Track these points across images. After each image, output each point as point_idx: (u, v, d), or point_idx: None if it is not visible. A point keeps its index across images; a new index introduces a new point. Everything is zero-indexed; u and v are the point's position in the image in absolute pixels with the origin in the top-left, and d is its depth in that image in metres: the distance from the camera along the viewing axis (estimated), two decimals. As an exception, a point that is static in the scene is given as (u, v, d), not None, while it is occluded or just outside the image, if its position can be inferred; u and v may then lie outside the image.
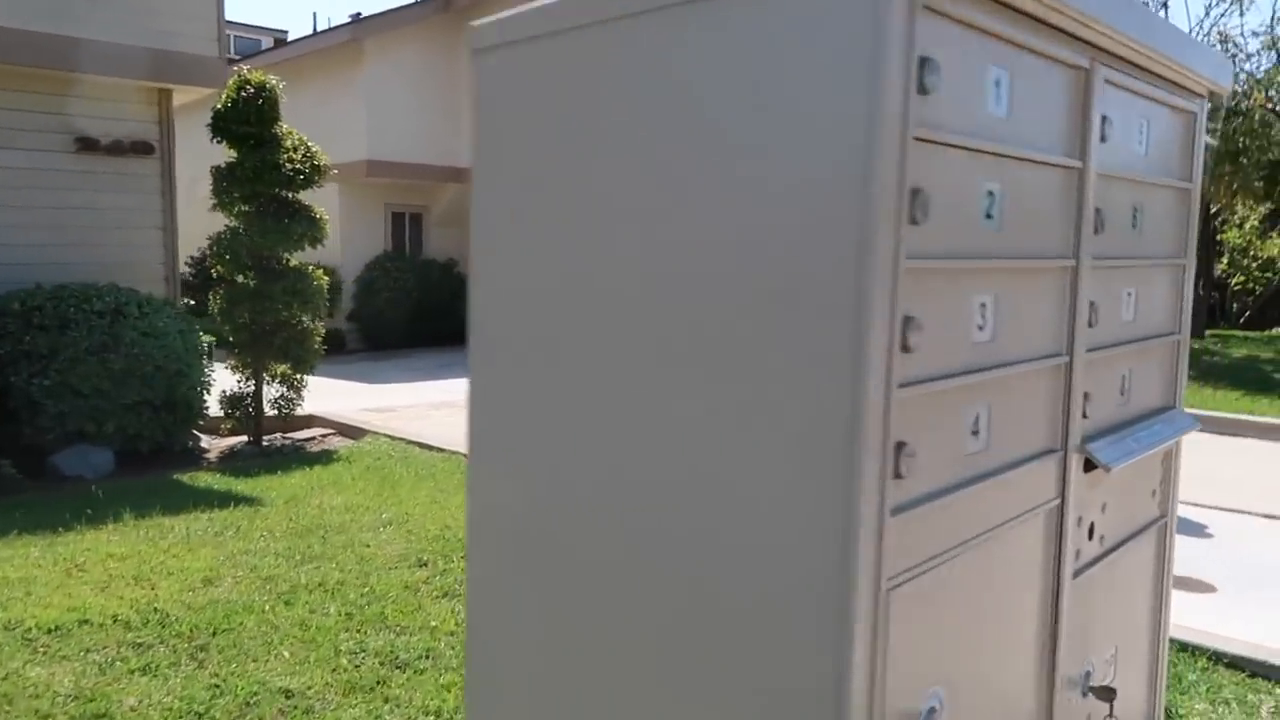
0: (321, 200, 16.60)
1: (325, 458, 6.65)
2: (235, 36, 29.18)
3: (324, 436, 7.60)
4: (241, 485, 5.70)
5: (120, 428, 6.25)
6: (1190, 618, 3.99)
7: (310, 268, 7.34)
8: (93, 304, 6.36)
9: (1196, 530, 5.46)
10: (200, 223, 19.70)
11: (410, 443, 7.04)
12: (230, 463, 6.65)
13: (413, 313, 16.11)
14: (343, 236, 16.24)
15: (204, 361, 6.87)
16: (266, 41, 29.12)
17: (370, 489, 5.49)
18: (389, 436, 7.29)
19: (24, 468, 6.02)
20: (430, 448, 6.85)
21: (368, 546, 4.30)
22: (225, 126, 6.92)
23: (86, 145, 7.40)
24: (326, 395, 10.45)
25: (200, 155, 13.15)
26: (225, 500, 5.26)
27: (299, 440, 7.48)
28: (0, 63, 6.89)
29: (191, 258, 19.83)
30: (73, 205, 7.32)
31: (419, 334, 16.26)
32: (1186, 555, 4.91)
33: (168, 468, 6.39)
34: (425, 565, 4.05)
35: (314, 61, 16.55)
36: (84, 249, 7.25)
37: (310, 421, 8.00)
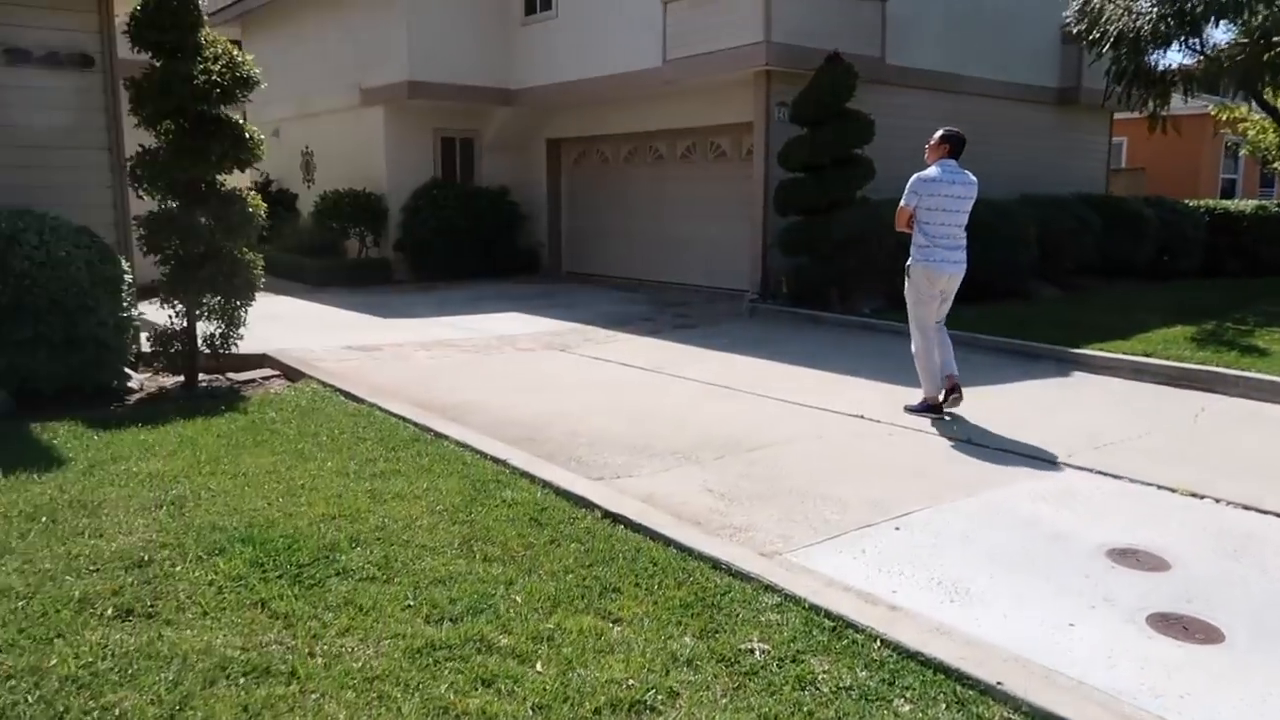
0: (367, 125, 16.19)
1: (239, 405, 6.03)
2: None
3: (266, 379, 7.02)
4: (93, 438, 5.11)
5: (11, 366, 5.76)
6: (1174, 682, 2.91)
7: (243, 192, 6.66)
8: (-12, 230, 5.84)
9: (1215, 539, 4.24)
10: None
11: (342, 392, 6.35)
12: (144, 407, 6.12)
13: (462, 243, 15.47)
14: (388, 163, 15.71)
15: (123, 295, 6.31)
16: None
17: (220, 452, 4.82)
18: (324, 384, 6.63)
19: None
20: (359, 399, 6.14)
21: (100, 537, 3.61)
22: (140, 33, 6.24)
23: (17, 57, 6.86)
24: (322, 328, 9.93)
25: None
26: (33, 458, 4.65)
27: (238, 381, 6.91)
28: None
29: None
30: (1, 124, 6.82)
31: (469, 264, 15.65)
32: (1191, 578, 3.75)
33: (68, 410, 5.89)
34: (142, 566, 3.33)
35: (356, -23, 15.80)
36: (13, 171, 6.75)
37: (262, 361, 7.42)
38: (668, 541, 3.78)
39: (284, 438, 5.10)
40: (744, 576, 3.45)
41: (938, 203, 6.13)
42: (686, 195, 14.47)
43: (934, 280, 6.20)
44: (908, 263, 6.31)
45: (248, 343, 8.93)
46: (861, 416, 6.47)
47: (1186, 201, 15.97)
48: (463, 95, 15.40)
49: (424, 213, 15.38)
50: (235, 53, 6.47)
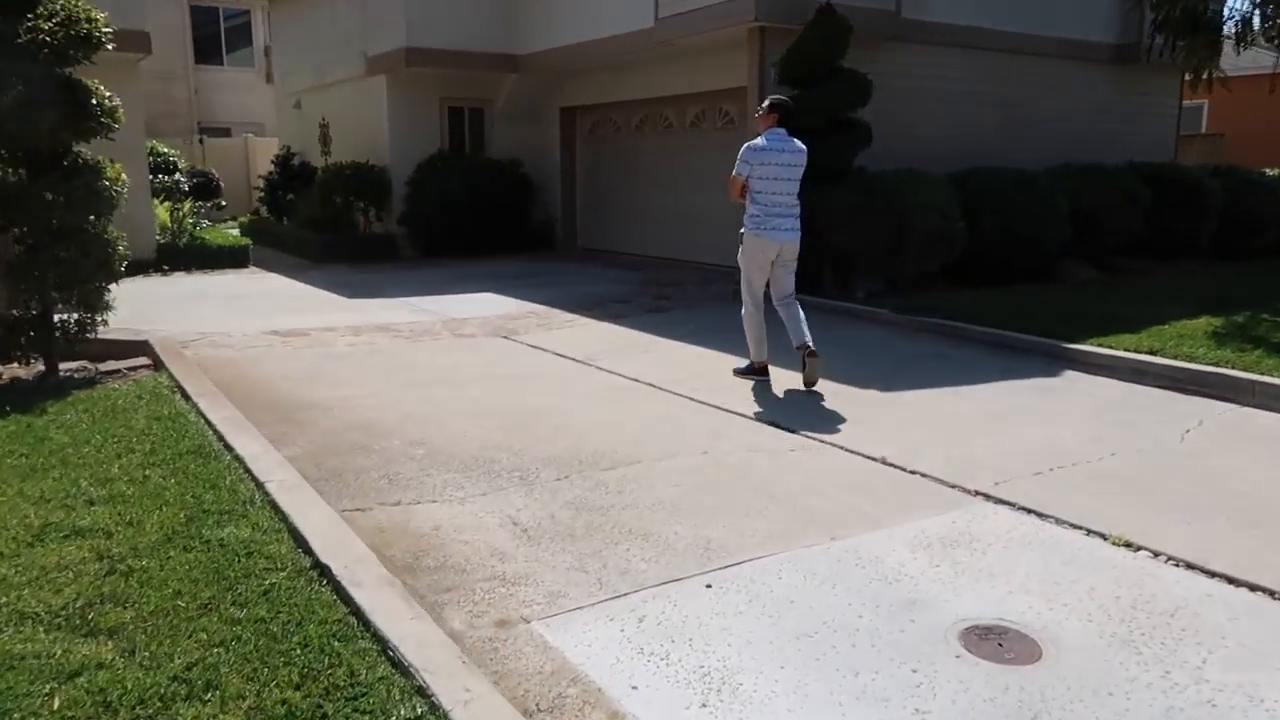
0: (373, 95, 15.59)
1: (57, 401, 5.42)
2: None
3: (133, 369, 6.42)
4: None
5: None
6: None
7: (98, 160, 6.04)
8: None
9: (1126, 615, 3.21)
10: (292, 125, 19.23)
11: (181, 389, 5.67)
12: (-27, 400, 5.55)
13: (468, 217, 14.78)
14: (391, 133, 15.13)
15: (-38, 277, 5.76)
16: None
17: None
18: (173, 378, 5.97)
19: None
20: (189, 398, 5.46)
21: None
22: (-29, -12, 5.64)
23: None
24: (267, 311, 9.38)
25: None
26: None
27: (101, 372, 6.34)
28: None
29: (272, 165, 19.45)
30: None
31: (478, 240, 14.98)
32: (1061, 679, 2.73)
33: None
34: None
35: (358, -60, 15.17)
36: None
37: (138, 349, 6.83)
38: (354, 610, 2.96)
39: (43, 448, 4.43)
40: (403, 669, 2.61)
41: (768, 171, 6.08)
42: (695, 166, 13.46)
43: (766, 249, 6.23)
44: (740, 231, 6.33)
45: (165, 324, 8.50)
46: (775, 424, 5.51)
47: (1266, 171, 14.19)
48: (466, 62, 14.65)
49: (427, 186, 14.74)
50: (82, 10, 5.81)
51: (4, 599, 2.91)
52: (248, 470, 4.13)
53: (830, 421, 5.59)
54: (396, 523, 3.97)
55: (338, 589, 3.08)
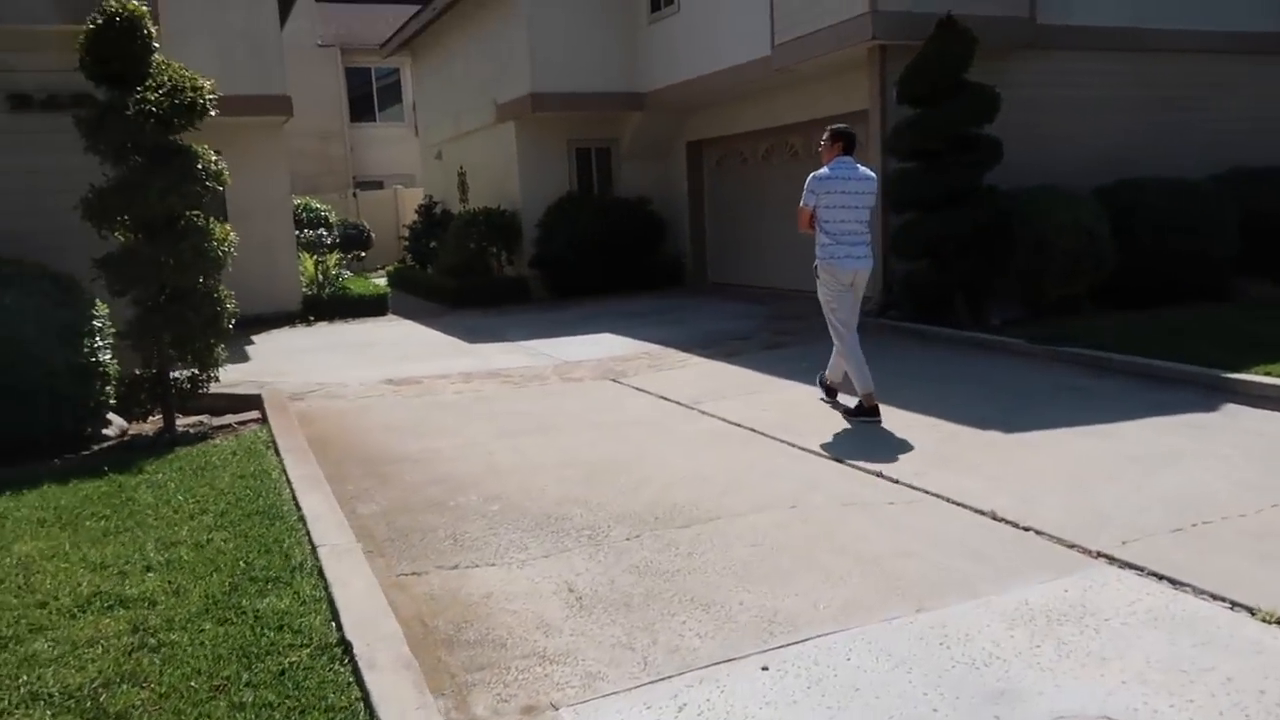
0: (503, 141, 15.92)
1: (158, 458, 5.58)
2: None
3: (242, 423, 6.59)
4: None
5: (-48, 419, 5.63)
6: None
7: (207, 222, 6.27)
8: (-64, 282, 5.77)
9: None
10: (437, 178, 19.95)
11: (274, 445, 5.75)
12: (93, 458, 5.82)
13: (598, 256, 14.82)
14: (521, 177, 15.38)
15: (86, 341, 6.07)
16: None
17: (26, 528, 4.29)
18: (269, 434, 6.07)
19: None
20: (279, 452, 5.52)
21: None
22: (86, 64, 5.98)
23: (19, 103, 6.88)
24: (390, 359, 9.57)
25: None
26: None
27: (212, 427, 6.54)
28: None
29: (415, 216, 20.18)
30: (6, 169, 6.85)
31: (607, 278, 14.98)
32: None
33: (20, 459, 5.70)
34: None
35: (484, -7, 15.61)
36: (16, 218, 6.75)
37: (252, 403, 7.03)
38: (364, 695, 2.77)
39: (125, 509, 4.51)
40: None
41: (834, 200, 6.06)
42: (822, 194, 12.98)
43: (839, 277, 6.19)
44: (814, 264, 6.33)
45: (292, 374, 8.78)
46: (880, 475, 5.05)
47: None
48: (590, 103, 14.77)
49: (556, 227, 14.88)
50: (188, 80, 6.07)
51: (25, 678, 2.89)
52: (307, 532, 4.06)
53: (938, 468, 5.08)
54: (450, 589, 3.79)
55: (355, 670, 2.90)
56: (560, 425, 6.51)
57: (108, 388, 6.36)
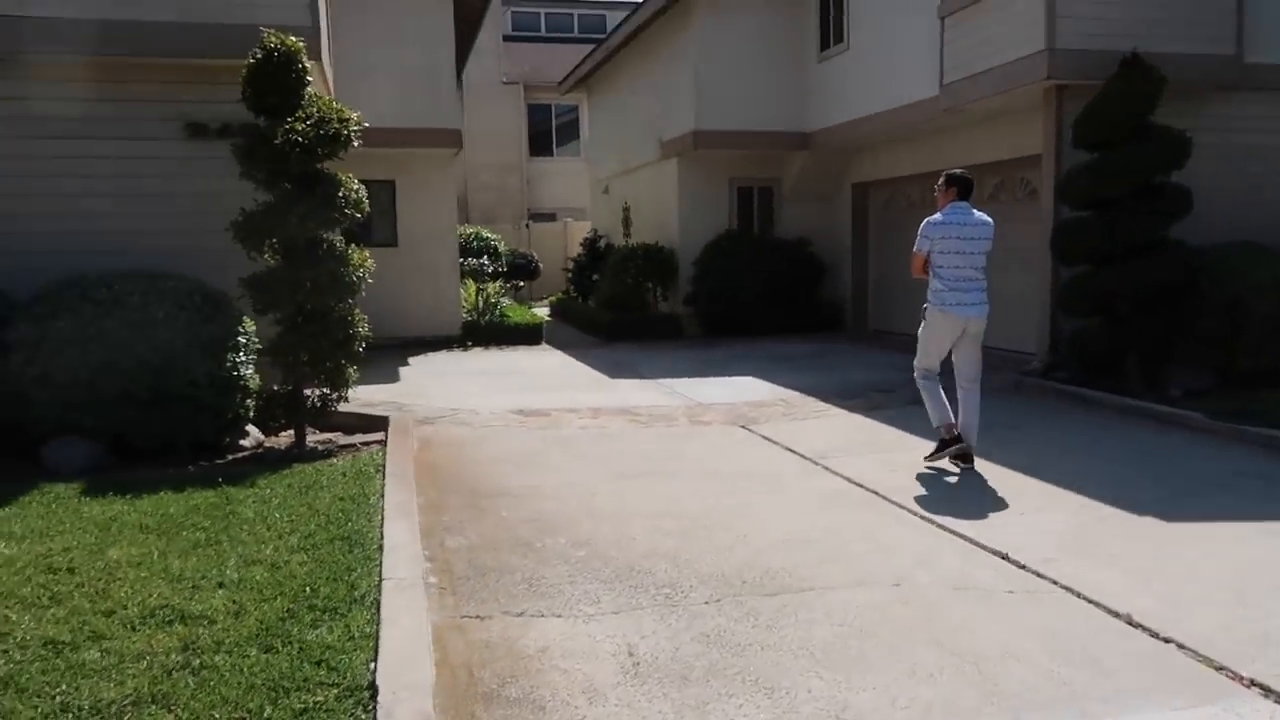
0: (665, 178, 15.95)
1: (276, 472, 5.74)
2: (580, 15, 29.84)
3: (366, 444, 6.73)
4: (53, 505, 4.98)
5: (102, 421, 6.01)
6: None
7: (346, 248, 6.47)
8: (99, 293, 6.20)
9: None
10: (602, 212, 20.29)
11: (383, 469, 5.81)
12: (225, 468, 6.06)
13: (753, 297, 14.57)
14: (680, 215, 15.37)
15: (230, 355, 6.38)
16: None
17: (132, 533, 4.43)
18: (380, 459, 6.15)
19: (21, 456, 6.07)
20: (386, 476, 5.56)
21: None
22: (246, 96, 6.33)
23: (196, 131, 7.38)
24: (528, 388, 9.65)
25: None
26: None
27: (337, 445, 6.70)
28: (113, 55, 7.09)
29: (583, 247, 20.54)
30: (182, 192, 7.35)
31: (763, 320, 14.70)
32: None
33: (158, 465, 6.02)
34: None
35: (656, 29, 15.78)
36: (183, 236, 7.23)
37: (380, 424, 7.18)
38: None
39: (224, 522, 4.61)
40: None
41: (949, 245, 6.03)
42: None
43: (951, 323, 6.13)
44: (924, 305, 6.29)
45: (431, 398, 8.97)
46: (1005, 557, 4.54)
47: None
48: (754, 141, 14.60)
49: (712, 266, 14.73)
50: (335, 112, 6.31)
51: (65, 686, 2.93)
52: (381, 563, 4.00)
53: (1075, 555, 4.51)
54: (508, 637, 3.63)
55: (374, 718, 2.77)
56: (672, 471, 6.28)
57: (248, 401, 6.65)
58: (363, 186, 6.59)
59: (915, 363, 6.41)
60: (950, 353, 6.25)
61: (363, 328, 6.67)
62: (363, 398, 9.09)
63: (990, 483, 5.90)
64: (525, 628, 3.72)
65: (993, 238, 6.13)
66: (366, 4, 12.95)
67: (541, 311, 20.67)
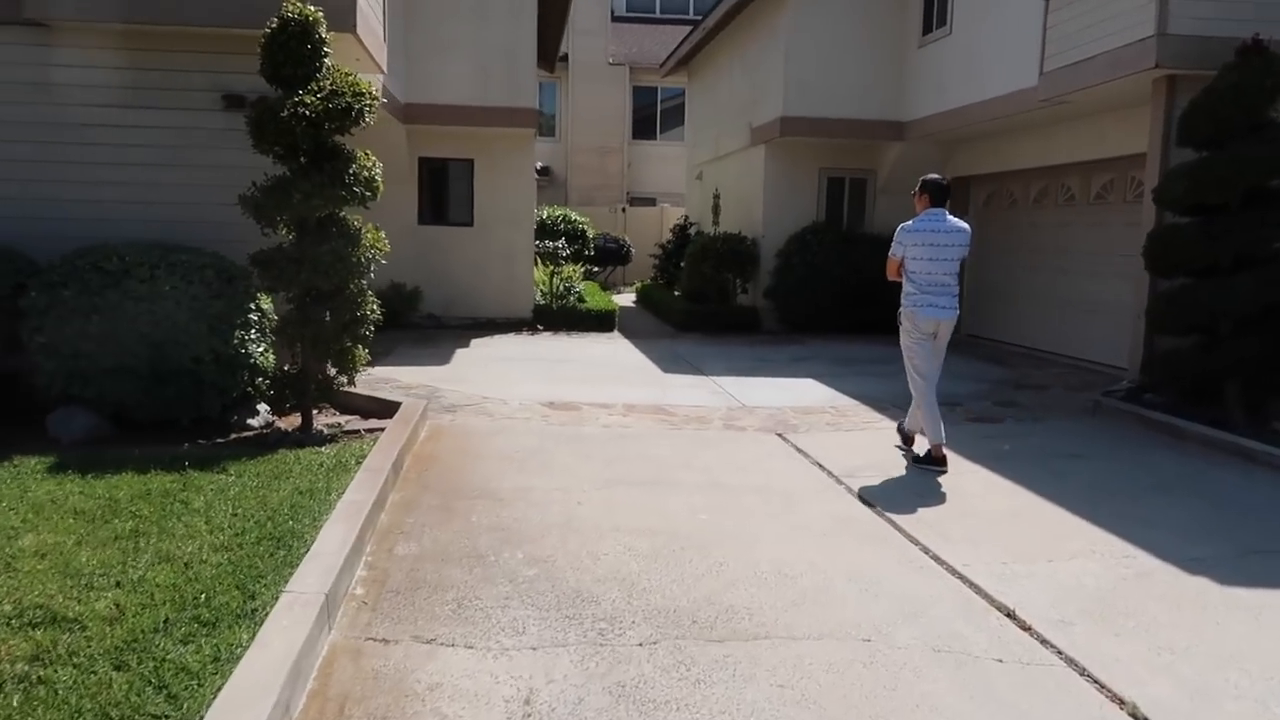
0: (753, 166, 15.32)
1: (260, 458, 5.54)
2: None
3: (370, 431, 6.48)
4: (40, 482, 4.86)
5: (102, 393, 5.95)
6: None
7: (357, 227, 6.23)
8: (111, 263, 6.14)
9: None
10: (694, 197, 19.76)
11: (360, 459, 5.55)
12: (221, 447, 5.92)
13: (835, 294, 13.87)
14: (765, 204, 14.77)
15: (237, 331, 6.25)
16: None
17: (63, 516, 4.27)
18: (368, 449, 5.89)
19: (29, 423, 6.08)
20: (363, 469, 5.30)
21: None
22: (265, 68, 6.14)
23: (233, 103, 7.29)
24: (569, 379, 9.32)
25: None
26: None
27: (344, 430, 6.49)
28: (150, 23, 7.05)
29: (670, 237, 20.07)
30: (216, 164, 7.27)
31: (844, 318, 14.00)
32: None
33: (158, 439, 5.94)
34: None
35: (751, 10, 15.15)
36: (213, 209, 7.14)
37: (393, 409, 6.93)
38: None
39: (162, 512, 4.38)
40: None
41: (921, 252, 6.15)
42: (1095, 246, 11.23)
43: (919, 324, 6.22)
44: (898, 310, 6.39)
45: (469, 384, 8.74)
46: (1010, 615, 3.93)
47: None
48: (845, 130, 13.83)
49: (795, 259, 14.08)
50: (347, 84, 6.06)
51: None
52: (294, 571, 3.71)
53: (1097, 620, 3.86)
54: (404, 669, 3.27)
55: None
56: (678, 481, 5.82)
57: (258, 379, 6.51)
58: (378, 164, 6.30)
59: (910, 375, 6.42)
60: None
61: (373, 310, 6.42)
62: (403, 380, 8.96)
63: (1027, 519, 5.23)
64: (428, 658, 3.36)
65: (968, 244, 6.18)
66: (448, -22, 12.78)
67: (627, 298, 20.37)
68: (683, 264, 17.98)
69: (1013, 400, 8.83)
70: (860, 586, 4.19)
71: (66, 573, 3.62)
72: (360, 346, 6.46)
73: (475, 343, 12.15)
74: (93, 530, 4.07)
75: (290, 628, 3.20)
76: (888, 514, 5.27)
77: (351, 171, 6.09)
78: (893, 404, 8.39)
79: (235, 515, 4.38)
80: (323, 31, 6.12)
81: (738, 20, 15.90)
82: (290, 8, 6.04)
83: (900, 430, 6.78)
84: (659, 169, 26.41)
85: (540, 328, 14.01)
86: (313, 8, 6.10)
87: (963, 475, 6.13)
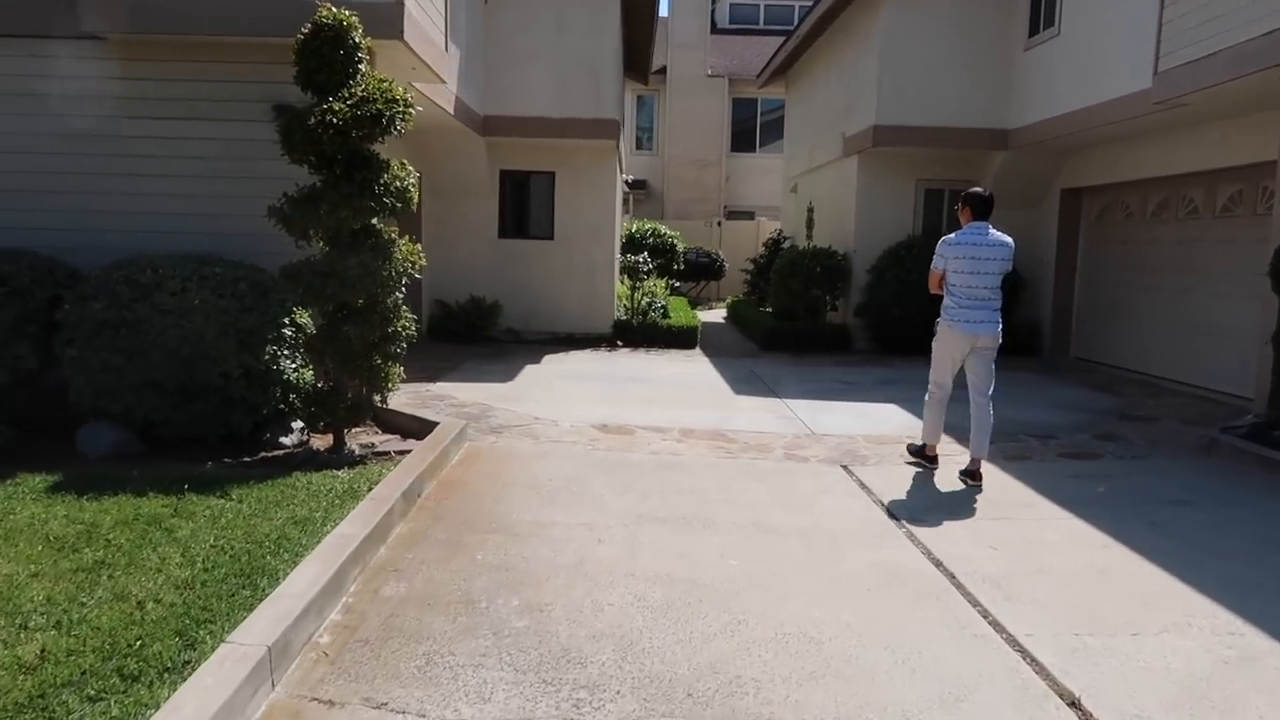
0: (846, 177, 14.60)
1: (264, 484, 5.29)
2: (800, 7, 27.73)
3: (399, 453, 6.18)
4: (28, 505, 4.68)
5: (128, 409, 5.82)
6: None
7: (389, 238, 5.95)
8: (145, 275, 6.03)
9: None
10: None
11: (373, 484, 5.22)
12: (243, 467, 5.72)
13: (933, 313, 12.99)
14: (858, 217, 14.08)
15: (269, 347, 6.06)
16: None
17: (33, 545, 4.05)
18: (373, 478, 5.57)
19: (62, 437, 6.01)
20: (370, 498, 4.97)
21: None
22: (300, 75, 5.93)
23: (282, 113, 7.12)
24: (633, 400, 8.89)
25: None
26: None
27: (375, 451, 6.21)
28: (202, 33, 6.98)
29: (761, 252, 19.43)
30: (262, 175, 7.14)
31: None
32: None
33: (185, 456, 5.79)
34: None
35: (846, 16, 14.50)
36: (258, 220, 7.01)
37: (429, 430, 6.63)
38: None
39: (140, 540, 4.12)
40: None
41: (961, 265, 6.11)
42: (1221, 263, 10.17)
43: (957, 339, 6.22)
44: (936, 321, 6.41)
45: (528, 403, 8.41)
46: (1075, 705, 3.28)
47: None
48: (943, 139, 13.02)
49: (888, 275, 13.33)
50: (378, 90, 5.79)
51: None
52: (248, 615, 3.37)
53: (1187, 716, 3.17)
54: (339, 737, 2.88)
55: None
56: (715, 519, 5.29)
57: (290, 396, 6.30)
58: (413, 174, 6.01)
59: (931, 380, 6.51)
60: (963, 368, 6.36)
61: (405, 326, 6.13)
62: (458, 397, 8.70)
63: (1113, 578, 4.50)
64: (361, 724, 2.96)
65: (1011, 259, 6.13)
66: (529, -11, 12.60)
67: (717, 314, 19.86)
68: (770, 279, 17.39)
69: (1116, 433, 7.95)
70: (897, 657, 3.60)
71: (5, 610, 3.37)
72: (392, 364, 6.17)
73: (548, 359, 11.85)
74: (56, 561, 3.84)
75: (213, 687, 2.84)
76: (947, 565, 4.63)
77: (382, 182, 5.81)
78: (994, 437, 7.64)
79: (214, 547, 4.09)
80: (357, 37, 5.87)
81: (833, 26, 15.27)
82: (325, 13, 5.82)
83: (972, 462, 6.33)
84: (758, 182, 25.82)
85: (619, 344, 13.65)
86: (348, 12, 5.87)
87: (1044, 521, 5.41)
